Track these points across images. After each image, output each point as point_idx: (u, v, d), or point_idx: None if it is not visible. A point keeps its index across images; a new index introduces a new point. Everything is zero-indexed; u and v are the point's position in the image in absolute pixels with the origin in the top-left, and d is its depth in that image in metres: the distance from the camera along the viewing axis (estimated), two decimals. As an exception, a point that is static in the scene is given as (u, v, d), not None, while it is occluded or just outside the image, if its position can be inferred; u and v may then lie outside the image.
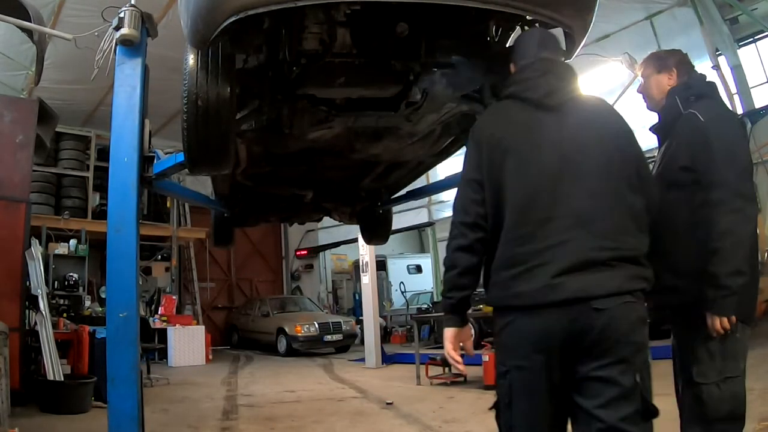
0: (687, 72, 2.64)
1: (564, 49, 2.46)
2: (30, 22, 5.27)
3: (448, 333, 2.09)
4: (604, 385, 1.83)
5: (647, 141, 2.75)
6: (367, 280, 11.61)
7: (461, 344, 2.12)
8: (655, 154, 2.72)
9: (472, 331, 2.22)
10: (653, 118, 2.75)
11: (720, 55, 10.19)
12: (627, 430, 1.80)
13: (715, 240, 2.25)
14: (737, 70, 10.18)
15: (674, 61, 2.67)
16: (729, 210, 2.25)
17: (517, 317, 1.92)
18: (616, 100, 11.04)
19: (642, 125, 2.84)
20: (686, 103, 2.50)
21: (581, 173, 1.95)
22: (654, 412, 1.85)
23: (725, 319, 2.23)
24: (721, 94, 2.63)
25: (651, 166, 2.72)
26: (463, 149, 4.09)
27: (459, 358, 2.11)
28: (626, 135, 2.10)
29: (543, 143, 2.00)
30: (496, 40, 2.95)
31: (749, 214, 2.29)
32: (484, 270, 2.07)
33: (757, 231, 2.48)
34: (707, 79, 2.65)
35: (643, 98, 2.77)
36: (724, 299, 2.22)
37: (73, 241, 11.11)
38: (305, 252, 19.83)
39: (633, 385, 1.83)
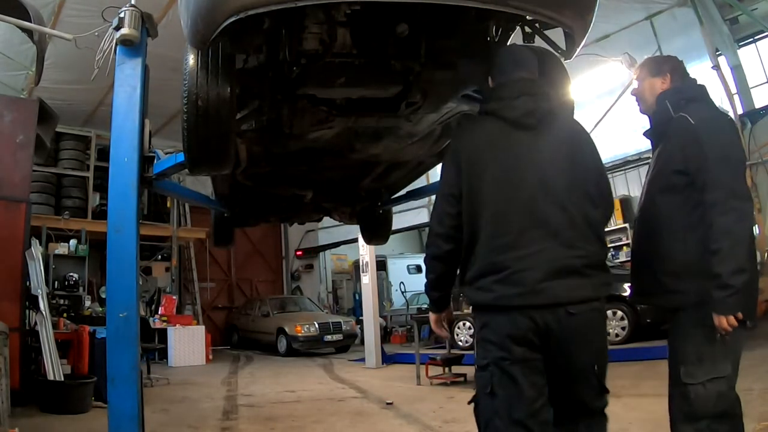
0: (681, 78, 2.68)
1: (538, 69, 2.51)
2: (30, 22, 5.27)
3: (432, 316, 2.53)
4: (572, 374, 2.19)
5: (643, 143, 2.79)
6: (367, 280, 11.60)
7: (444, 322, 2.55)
8: (650, 157, 2.75)
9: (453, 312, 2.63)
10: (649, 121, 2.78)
11: (720, 55, 10.20)
12: (593, 405, 2.23)
13: (715, 241, 2.27)
14: (737, 70, 10.19)
15: (669, 66, 2.71)
16: (725, 210, 2.27)
17: (499, 316, 2.15)
18: (616, 100, 11.07)
19: (642, 126, 2.86)
20: (676, 106, 2.53)
21: (551, 187, 2.18)
22: (606, 389, 2.26)
23: (732, 317, 2.25)
24: (712, 97, 2.66)
25: (646, 170, 2.76)
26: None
27: (443, 333, 2.55)
28: (590, 151, 2.34)
29: (519, 160, 2.23)
30: (496, 40, 2.95)
31: (745, 212, 2.31)
32: (462, 274, 2.30)
33: (755, 230, 2.51)
34: (698, 83, 2.68)
35: (637, 101, 2.81)
36: (729, 298, 2.24)
37: (73, 241, 11.12)
38: (301, 252, 19.82)
39: (594, 372, 2.20)
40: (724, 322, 2.26)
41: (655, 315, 7.83)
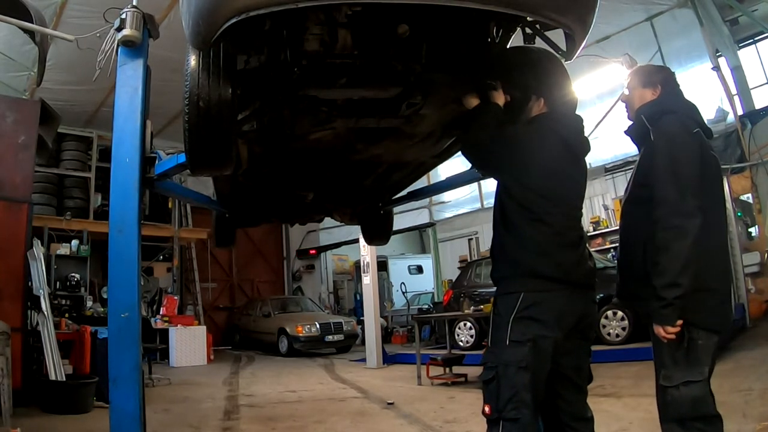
0: (671, 89, 2.75)
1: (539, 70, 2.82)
2: (32, 23, 5.29)
3: None
4: (584, 353, 2.65)
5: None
6: (368, 280, 11.61)
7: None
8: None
9: None
10: None
11: (720, 56, 10.20)
12: (587, 384, 2.67)
13: (655, 254, 2.43)
14: (737, 71, 10.20)
15: (660, 78, 2.78)
16: (665, 227, 2.42)
17: (555, 295, 2.45)
18: (617, 101, 11.06)
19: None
20: (651, 120, 2.64)
21: (578, 206, 2.74)
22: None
23: (668, 327, 2.39)
24: (688, 106, 2.73)
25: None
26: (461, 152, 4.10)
27: None
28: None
29: (571, 184, 2.68)
30: (497, 41, 2.96)
31: (686, 229, 2.39)
32: (522, 241, 2.54)
33: (728, 242, 2.68)
34: (679, 95, 2.75)
35: (625, 107, 2.90)
36: (663, 309, 2.39)
37: (75, 242, 11.16)
38: (314, 252, 19.84)
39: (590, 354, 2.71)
40: (661, 331, 2.40)
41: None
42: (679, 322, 2.38)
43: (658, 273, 2.40)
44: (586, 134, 2.83)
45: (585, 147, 2.77)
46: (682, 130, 2.55)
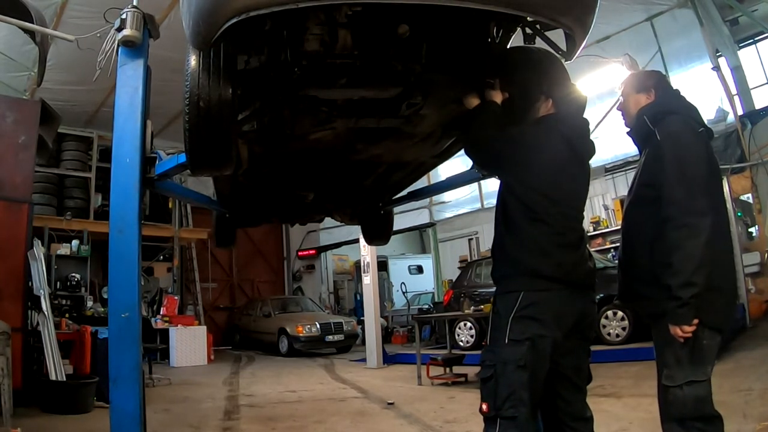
0: (665, 92, 2.76)
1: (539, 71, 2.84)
2: (32, 23, 5.29)
3: None
4: (584, 353, 2.65)
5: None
6: (369, 280, 11.62)
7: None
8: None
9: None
10: None
11: (720, 56, 10.20)
12: (586, 384, 2.67)
13: (668, 254, 2.41)
14: (737, 71, 10.20)
15: (653, 82, 2.81)
16: (677, 226, 2.40)
17: (550, 295, 2.45)
18: (617, 101, 11.06)
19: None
20: (653, 120, 2.64)
21: (579, 207, 2.73)
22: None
23: (685, 327, 2.37)
24: (690, 107, 2.74)
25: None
26: (463, 151, 4.10)
27: None
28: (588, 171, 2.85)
29: (574, 185, 2.71)
30: (497, 41, 2.96)
31: (699, 228, 2.38)
32: (522, 241, 2.55)
33: (733, 241, 2.65)
34: (678, 95, 2.77)
35: (622, 115, 2.93)
36: (679, 309, 2.37)
37: (75, 242, 11.16)
38: (314, 251, 19.84)
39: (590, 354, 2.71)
40: (678, 331, 2.39)
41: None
42: (695, 321, 2.37)
43: (672, 273, 2.39)
44: (591, 137, 2.84)
45: (590, 149, 2.78)
46: (688, 130, 2.57)
